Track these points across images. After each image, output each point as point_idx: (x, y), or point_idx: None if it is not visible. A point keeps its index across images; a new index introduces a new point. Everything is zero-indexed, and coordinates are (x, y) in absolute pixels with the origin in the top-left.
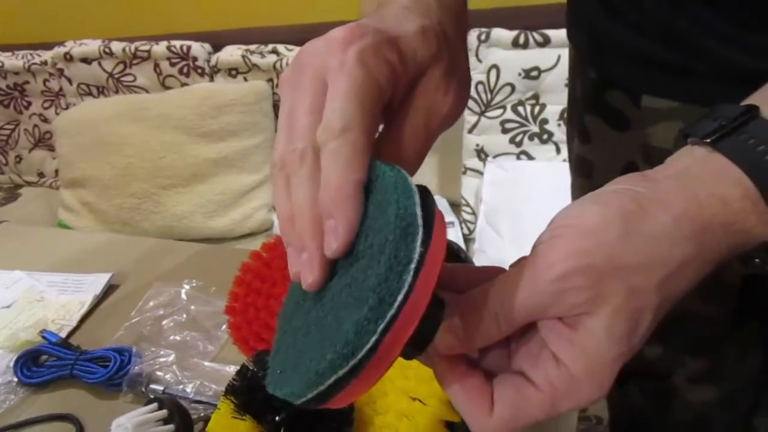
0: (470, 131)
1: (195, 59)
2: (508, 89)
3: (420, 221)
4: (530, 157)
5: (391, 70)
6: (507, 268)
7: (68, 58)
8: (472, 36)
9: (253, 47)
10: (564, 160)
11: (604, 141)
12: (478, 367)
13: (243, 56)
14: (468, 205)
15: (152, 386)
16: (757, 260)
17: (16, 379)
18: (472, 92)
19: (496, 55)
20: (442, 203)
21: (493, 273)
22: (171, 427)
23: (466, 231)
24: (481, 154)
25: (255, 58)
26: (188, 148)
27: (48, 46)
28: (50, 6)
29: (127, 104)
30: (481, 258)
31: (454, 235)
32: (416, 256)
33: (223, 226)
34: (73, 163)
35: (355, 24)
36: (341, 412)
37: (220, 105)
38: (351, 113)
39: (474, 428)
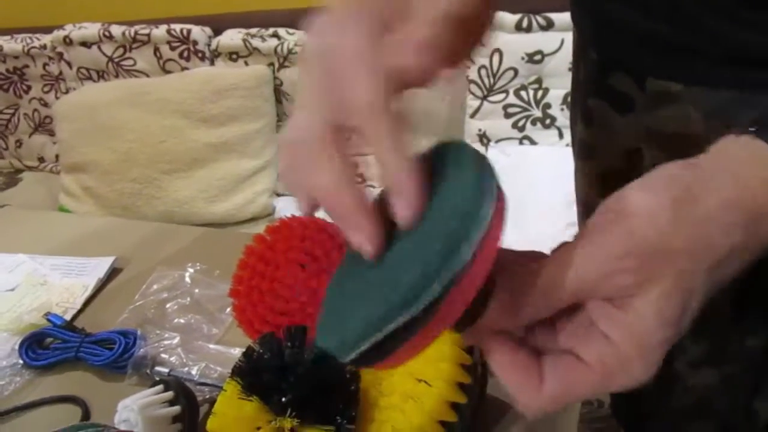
0: (472, 116)
1: (195, 43)
2: (510, 73)
3: (496, 188)
4: (533, 142)
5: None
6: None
7: (68, 41)
8: None
9: (253, 31)
10: (567, 145)
11: (608, 124)
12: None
13: (244, 40)
14: None
15: (157, 368)
16: None
17: (21, 362)
18: (475, 76)
19: (498, 39)
20: None
21: (533, 255)
22: (177, 408)
23: None
24: (484, 139)
25: (256, 42)
26: (189, 133)
27: (47, 30)
28: None
29: (127, 89)
30: None
31: None
32: (489, 216)
33: (224, 211)
34: (74, 147)
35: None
36: (347, 393)
37: (220, 89)
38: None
39: (523, 402)
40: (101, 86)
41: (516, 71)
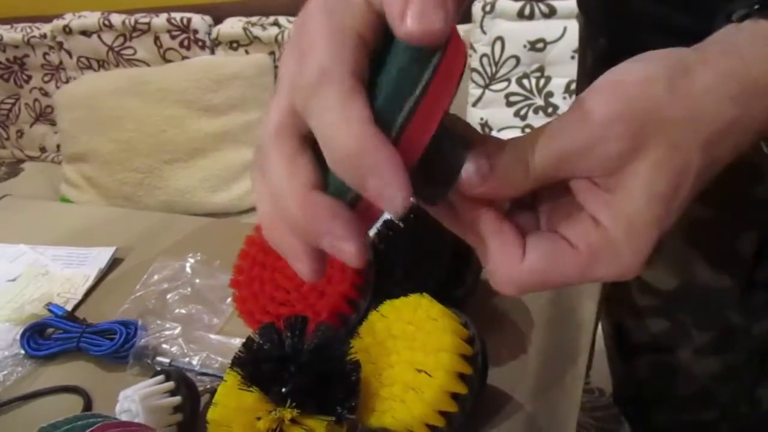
0: (474, 105)
1: (195, 32)
2: (513, 61)
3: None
4: None
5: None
6: None
7: (67, 31)
8: (477, 7)
9: (254, 19)
10: None
11: None
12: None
13: (244, 28)
14: None
15: (158, 359)
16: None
17: (23, 352)
18: (477, 65)
19: (501, 27)
20: None
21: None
22: (178, 398)
23: None
24: (485, 127)
25: (256, 31)
26: (190, 122)
27: (47, 19)
28: None
29: (127, 78)
30: None
31: None
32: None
33: (226, 201)
34: (74, 137)
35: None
36: (347, 383)
37: (221, 78)
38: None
39: (501, 273)
40: (102, 75)
41: (518, 59)
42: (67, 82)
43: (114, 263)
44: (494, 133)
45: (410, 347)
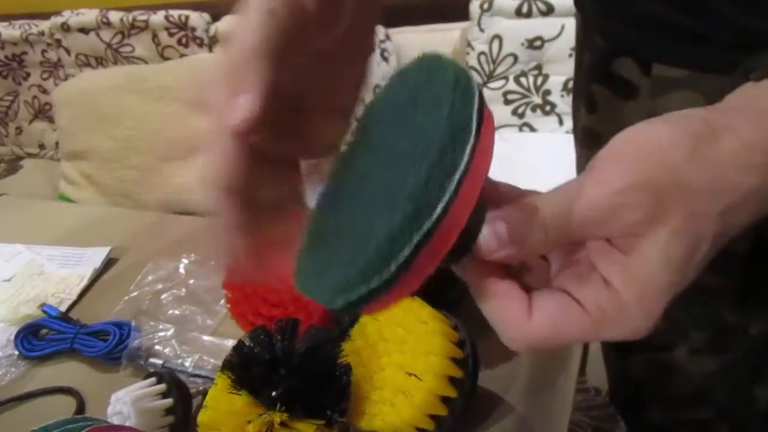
0: None
1: (194, 29)
2: (510, 60)
3: (474, 126)
4: (533, 129)
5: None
6: None
7: (65, 28)
8: (475, 5)
9: None
10: (567, 132)
11: (612, 110)
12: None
13: None
14: None
15: (151, 360)
16: None
17: (17, 353)
18: (474, 63)
19: (499, 25)
20: None
21: (527, 192)
22: (170, 400)
23: None
24: None
25: None
26: (188, 120)
27: (45, 16)
28: None
29: (126, 75)
30: None
31: None
32: (463, 165)
33: None
34: (73, 135)
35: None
36: (338, 386)
37: None
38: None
39: (507, 335)
40: (100, 73)
41: (516, 57)
42: (65, 79)
43: (109, 263)
44: None
45: (401, 350)
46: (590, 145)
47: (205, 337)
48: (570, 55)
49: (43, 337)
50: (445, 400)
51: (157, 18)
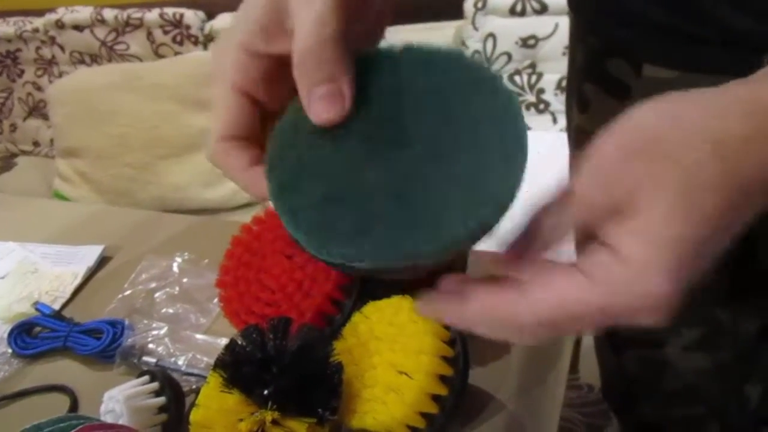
0: None
1: (188, 27)
2: (505, 58)
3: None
4: (527, 127)
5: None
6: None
7: (60, 25)
8: (469, 3)
9: None
10: (561, 130)
11: (604, 110)
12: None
13: None
14: None
15: (145, 358)
16: None
17: (10, 351)
18: None
19: (493, 23)
20: None
21: None
22: (162, 399)
23: None
24: None
25: None
26: (183, 118)
27: (39, 13)
28: None
29: (120, 73)
30: None
31: None
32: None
33: (219, 197)
34: (68, 132)
35: (224, 35)
36: (330, 385)
37: None
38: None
39: (509, 325)
40: (95, 70)
41: (510, 56)
42: (59, 76)
43: (102, 261)
44: None
45: (392, 349)
46: (582, 144)
47: (199, 336)
48: (564, 54)
49: (37, 335)
50: (435, 398)
51: (152, 15)
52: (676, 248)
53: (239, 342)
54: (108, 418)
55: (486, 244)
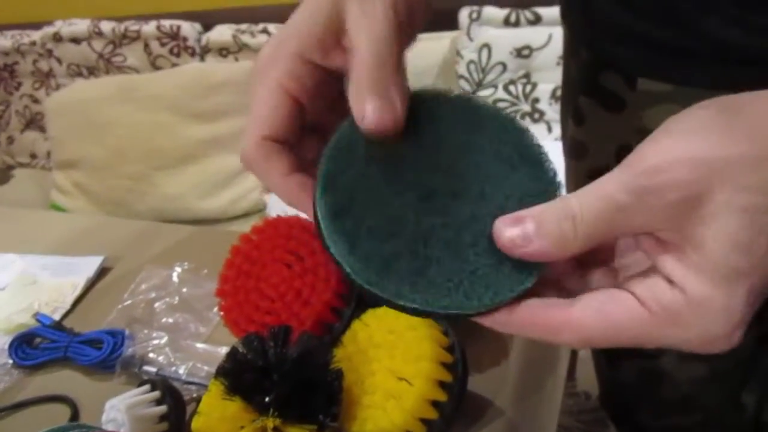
0: None
1: (185, 39)
2: (499, 68)
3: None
4: None
5: (306, 90)
6: None
7: (57, 38)
8: (464, 14)
9: (243, 27)
10: (555, 140)
11: (598, 123)
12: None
13: (233, 36)
14: None
15: (145, 368)
16: None
17: (11, 361)
18: (464, 71)
19: (487, 34)
20: None
21: None
22: (164, 407)
23: None
24: None
25: (245, 38)
26: (180, 129)
27: (36, 26)
28: None
29: (117, 85)
30: None
31: None
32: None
33: (216, 207)
34: (65, 144)
35: (276, 43)
36: (330, 392)
37: (211, 85)
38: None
39: (560, 337)
40: (92, 83)
41: (505, 66)
42: (57, 89)
43: (102, 272)
44: None
45: (391, 355)
46: (577, 156)
47: (199, 345)
48: (558, 64)
49: (37, 346)
50: (435, 404)
51: (149, 28)
52: (738, 281)
53: (240, 350)
54: (110, 427)
55: None
